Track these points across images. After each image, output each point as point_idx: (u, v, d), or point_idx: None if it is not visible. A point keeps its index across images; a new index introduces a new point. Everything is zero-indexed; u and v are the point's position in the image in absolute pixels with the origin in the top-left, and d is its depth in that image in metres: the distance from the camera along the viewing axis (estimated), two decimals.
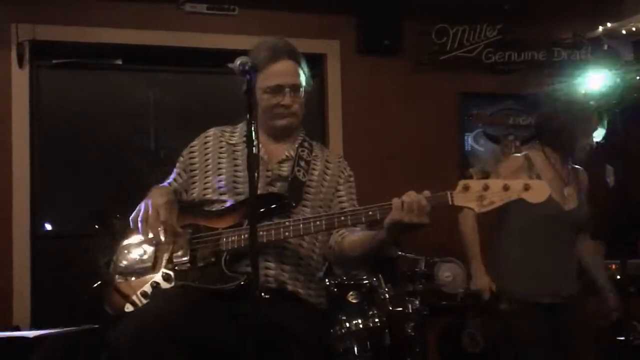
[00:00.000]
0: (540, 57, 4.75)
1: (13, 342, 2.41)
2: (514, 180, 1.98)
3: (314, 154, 2.32)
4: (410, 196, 1.93)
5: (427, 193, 1.95)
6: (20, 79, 4.04)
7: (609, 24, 4.55)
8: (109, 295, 2.14)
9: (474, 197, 1.95)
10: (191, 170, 2.31)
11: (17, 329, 3.66)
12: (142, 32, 4.23)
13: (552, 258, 3.00)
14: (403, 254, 3.88)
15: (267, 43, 2.24)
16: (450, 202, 1.95)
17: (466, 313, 3.98)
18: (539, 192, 1.94)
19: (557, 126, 3.13)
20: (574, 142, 3.04)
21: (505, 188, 1.94)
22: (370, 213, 2.00)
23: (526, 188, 1.93)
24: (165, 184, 2.32)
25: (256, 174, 1.77)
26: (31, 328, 3.72)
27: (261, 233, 2.01)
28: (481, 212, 1.96)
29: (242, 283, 1.99)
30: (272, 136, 2.29)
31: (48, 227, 4.14)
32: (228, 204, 2.17)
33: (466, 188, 1.95)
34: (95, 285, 2.22)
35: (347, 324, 3.32)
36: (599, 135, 3.15)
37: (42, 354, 2.38)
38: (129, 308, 2.08)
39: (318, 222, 2.04)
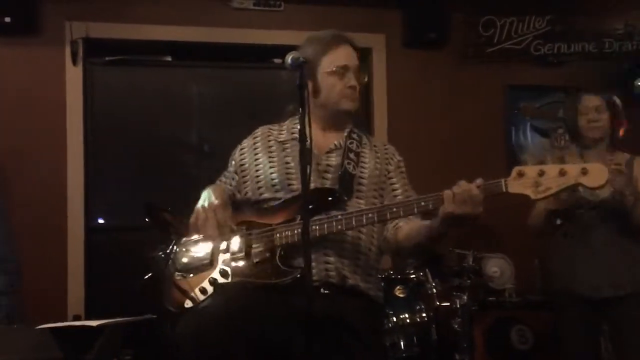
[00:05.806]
0: (591, 49, 4.62)
1: (79, 331, 2.50)
2: (571, 164, 1.89)
3: (363, 144, 2.31)
4: (461, 187, 1.89)
5: (479, 181, 1.91)
6: (74, 76, 4.14)
7: None
8: (169, 291, 2.18)
9: (529, 183, 1.86)
10: (242, 171, 2.33)
11: (79, 318, 3.78)
12: (191, 28, 4.28)
13: (587, 250, 2.93)
14: (451, 248, 3.85)
15: (325, 31, 2.28)
16: (504, 190, 1.89)
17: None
18: (597, 175, 1.83)
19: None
20: (574, 128, 3.06)
21: (562, 173, 1.84)
22: (422, 204, 1.98)
23: (584, 172, 1.83)
24: (219, 183, 2.35)
25: (309, 168, 1.77)
26: (86, 318, 3.83)
27: (313, 227, 2.01)
28: (537, 199, 1.89)
29: (298, 277, 1.99)
30: (322, 126, 2.28)
31: (101, 220, 4.24)
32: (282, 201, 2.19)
33: (521, 174, 1.87)
34: (147, 277, 2.28)
35: (394, 318, 3.32)
36: None
37: (104, 342, 2.47)
38: (188, 304, 2.11)
39: (370, 215, 2.03)
